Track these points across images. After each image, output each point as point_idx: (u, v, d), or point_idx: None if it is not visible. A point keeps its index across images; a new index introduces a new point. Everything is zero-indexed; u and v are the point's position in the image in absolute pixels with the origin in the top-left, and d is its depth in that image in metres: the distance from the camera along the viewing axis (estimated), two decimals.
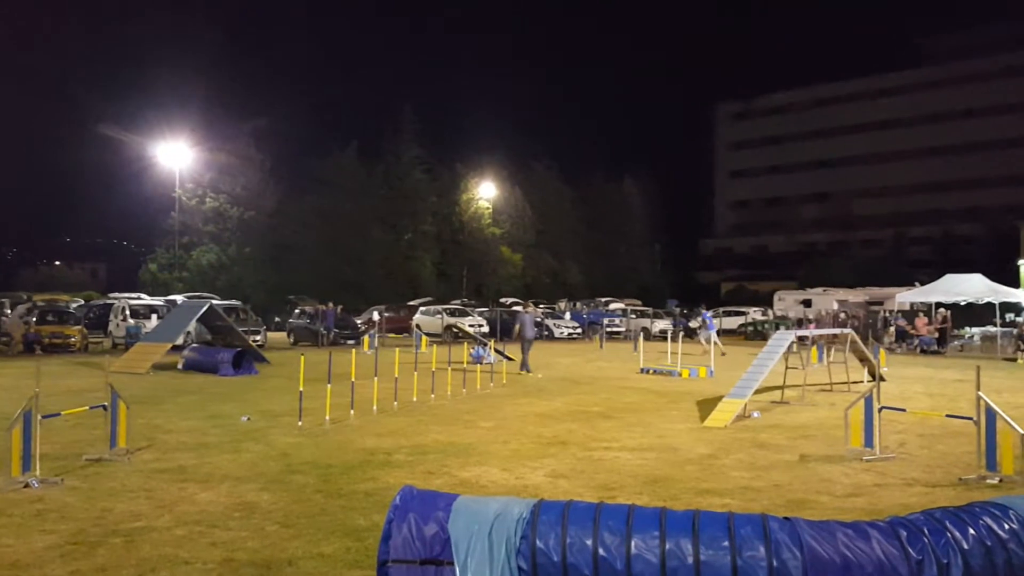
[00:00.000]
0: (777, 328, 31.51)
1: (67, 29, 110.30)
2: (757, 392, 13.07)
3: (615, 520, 4.18)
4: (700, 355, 24.87)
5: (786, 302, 46.24)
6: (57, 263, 78.93)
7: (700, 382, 18.48)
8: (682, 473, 8.48)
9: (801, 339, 16.62)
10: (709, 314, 29.64)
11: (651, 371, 20.30)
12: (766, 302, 49.72)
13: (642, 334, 27.42)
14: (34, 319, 27.12)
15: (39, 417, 7.63)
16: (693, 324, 43.88)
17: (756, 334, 40.31)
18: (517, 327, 21.08)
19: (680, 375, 19.50)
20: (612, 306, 48.57)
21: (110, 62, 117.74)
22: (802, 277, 62.45)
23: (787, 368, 15.05)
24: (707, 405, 13.41)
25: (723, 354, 25.42)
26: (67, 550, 5.71)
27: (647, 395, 15.71)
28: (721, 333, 39.41)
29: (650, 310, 45.70)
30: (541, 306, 46.28)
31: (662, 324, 40.48)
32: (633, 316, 43.57)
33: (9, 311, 30.49)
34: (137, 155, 50.60)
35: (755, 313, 46.65)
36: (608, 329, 38.84)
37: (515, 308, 45.22)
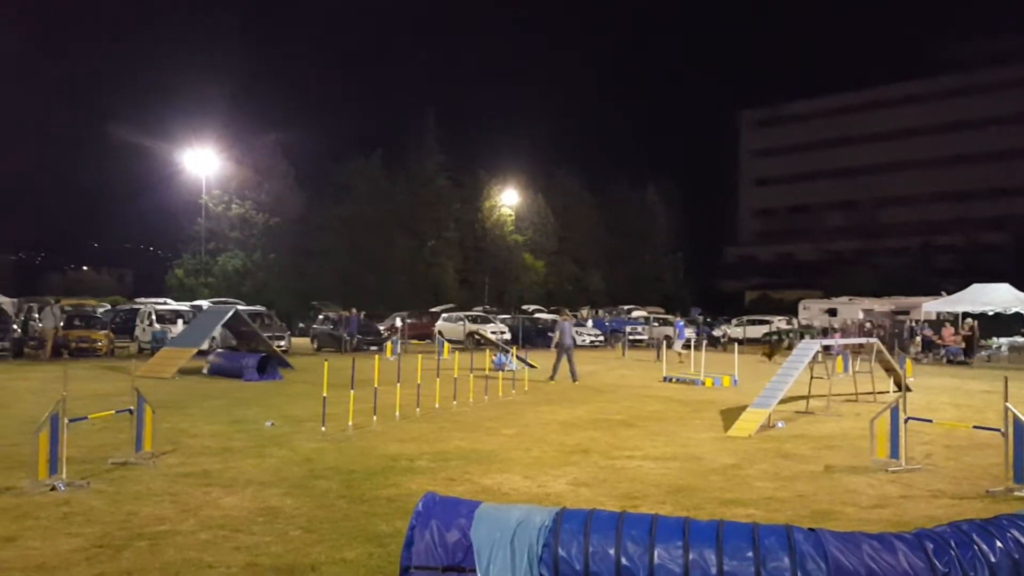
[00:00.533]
0: (802, 337, 31.28)
1: (94, 37, 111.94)
2: (782, 402, 12.95)
3: (638, 529, 4.17)
4: (677, 364, 24.63)
5: (811, 311, 45.88)
6: (84, 268, 79.92)
7: (724, 391, 18.37)
8: (706, 483, 8.43)
9: (826, 348, 16.46)
10: (681, 322, 29.46)
11: (674, 380, 20.20)
12: (791, 311, 49.40)
13: (665, 342, 27.26)
14: (61, 323, 27.42)
15: (66, 421, 7.71)
16: (717, 333, 43.70)
17: (780, 343, 39.96)
18: (557, 335, 20.88)
19: (703, 384, 19.39)
20: (634, 314, 48.41)
21: (137, 69, 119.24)
22: (827, 286, 61.88)
23: (812, 378, 14.92)
24: (731, 414, 13.32)
25: (680, 362, 25.39)
26: (92, 553, 5.76)
27: (670, 404, 15.64)
28: (744, 342, 39.29)
29: (673, 318, 45.48)
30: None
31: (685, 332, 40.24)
32: (656, 324, 43.38)
33: (37, 315, 30.90)
34: (164, 162, 51.34)
35: (780, 322, 46.32)
36: (630, 337, 38.67)
37: (537, 315, 45.22)
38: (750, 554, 4.03)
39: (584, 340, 38.89)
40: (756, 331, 44.84)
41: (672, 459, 9.74)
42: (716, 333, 43.72)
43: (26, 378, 18.76)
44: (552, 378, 19.70)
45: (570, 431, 11.89)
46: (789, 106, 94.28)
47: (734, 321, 48.39)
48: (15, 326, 26.65)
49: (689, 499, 7.65)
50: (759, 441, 11.17)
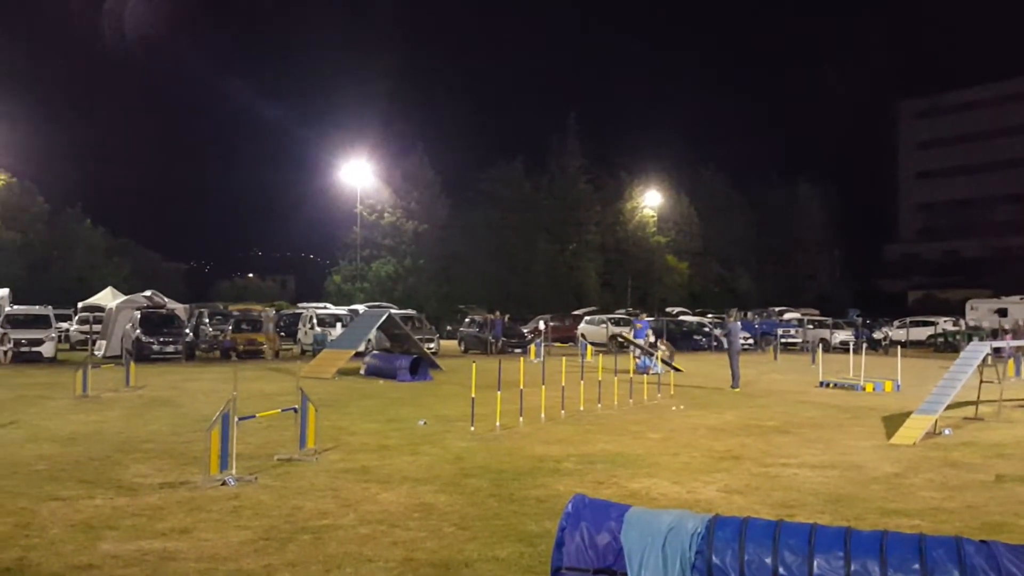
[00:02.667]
0: (970, 339, 29.37)
1: (258, 60, 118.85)
2: (949, 408, 12.29)
3: (796, 539, 4.04)
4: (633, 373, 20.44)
5: (979, 311, 43.21)
6: (250, 276, 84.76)
7: (885, 397, 17.51)
8: (867, 492, 8.07)
9: (996, 351, 15.40)
10: (647, 320, 27.17)
11: (831, 384, 19.39)
12: (957, 311, 46.55)
13: (821, 345, 26.12)
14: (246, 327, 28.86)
15: (236, 419, 8.22)
16: (877, 335, 41.54)
17: (947, 346, 37.74)
18: (726, 336, 20.11)
19: (864, 389, 18.53)
20: (787, 316, 46.73)
21: (295, 88, 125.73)
22: (997, 284, 57.75)
23: (981, 382, 14.00)
24: (894, 421, 12.71)
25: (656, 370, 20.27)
26: (260, 545, 6.10)
27: (827, 410, 15.03)
28: (907, 344, 37.17)
29: (829, 320, 43.61)
30: (709, 315, 45.24)
31: (843, 335, 38.54)
32: (810, 326, 41.70)
33: (207, 320, 33.01)
34: (322, 175, 54.19)
35: (945, 323, 43.67)
36: (783, 340, 37.32)
37: (682, 317, 44.47)
38: (917, 566, 3.83)
39: None
40: (920, 333, 42.47)
41: (830, 467, 9.37)
42: (877, 336, 41.61)
43: (198, 379, 20.08)
44: (735, 386, 18.77)
45: (720, 437, 11.64)
46: (952, 95, 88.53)
47: (896, 323, 45.97)
48: (187, 330, 28.52)
49: (849, 509, 7.34)
50: (924, 449, 10.61)
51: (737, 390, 18.42)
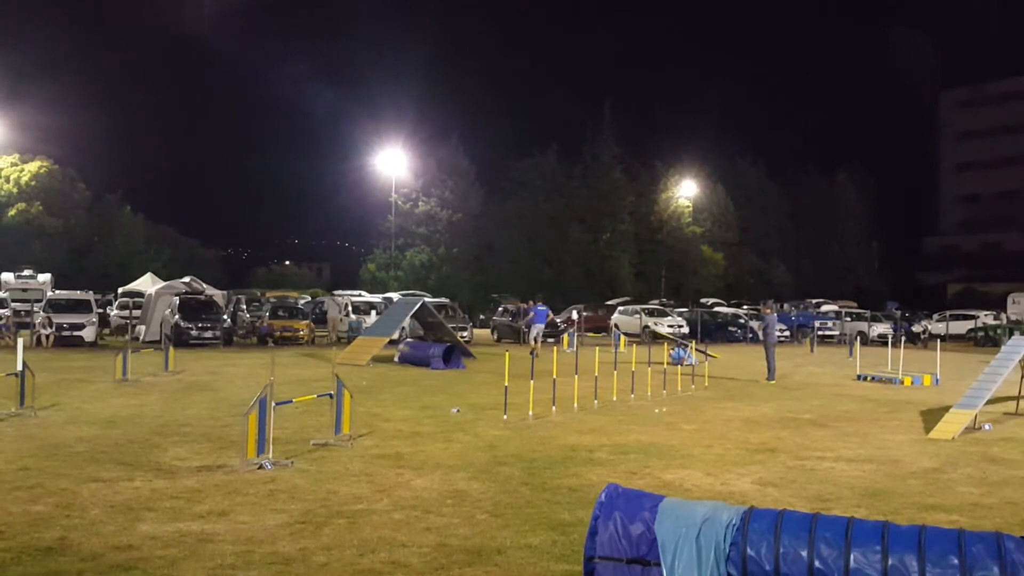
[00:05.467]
0: (1011, 334, 28.84)
1: (294, 47, 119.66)
2: (989, 403, 12.08)
3: (833, 532, 4.00)
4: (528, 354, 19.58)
5: (1021, 305, 42.30)
6: (287, 263, 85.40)
7: (924, 391, 17.26)
8: (904, 487, 7.97)
9: None
10: (541, 307, 26.52)
11: (869, 378, 19.16)
12: (998, 305, 45.70)
13: (858, 338, 25.77)
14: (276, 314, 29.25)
15: (273, 404, 8.32)
16: (916, 328, 40.92)
17: (987, 340, 37.08)
18: (762, 328, 19.98)
19: (902, 383, 18.28)
20: (824, 308, 46.18)
21: (332, 77, 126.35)
22: None
23: (1023, 377, 13.73)
24: (932, 415, 12.54)
25: (534, 354, 19.49)
26: (296, 529, 6.18)
27: (864, 403, 14.85)
28: (947, 338, 36.57)
29: (867, 313, 43.02)
30: (745, 307, 44.85)
31: (881, 328, 38.02)
32: (848, 319, 41.19)
33: (244, 306, 33.38)
34: (358, 164, 54.54)
35: (986, 317, 42.88)
36: (820, 332, 36.89)
37: (716, 308, 44.14)
38: (955, 561, 3.78)
39: None
40: (960, 327, 41.77)
41: (867, 461, 9.26)
42: (916, 329, 41.00)
43: (235, 364, 20.34)
44: (770, 378, 18.55)
45: (754, 429, 11.55)
46: (995, 84, 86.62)
47: (935, 316, 45.26)
48: (225, 316, 28.86)
49: (886, 503, 7.26)
50: (963, 444, 10.45)
51: (773, 382, 18.26)
